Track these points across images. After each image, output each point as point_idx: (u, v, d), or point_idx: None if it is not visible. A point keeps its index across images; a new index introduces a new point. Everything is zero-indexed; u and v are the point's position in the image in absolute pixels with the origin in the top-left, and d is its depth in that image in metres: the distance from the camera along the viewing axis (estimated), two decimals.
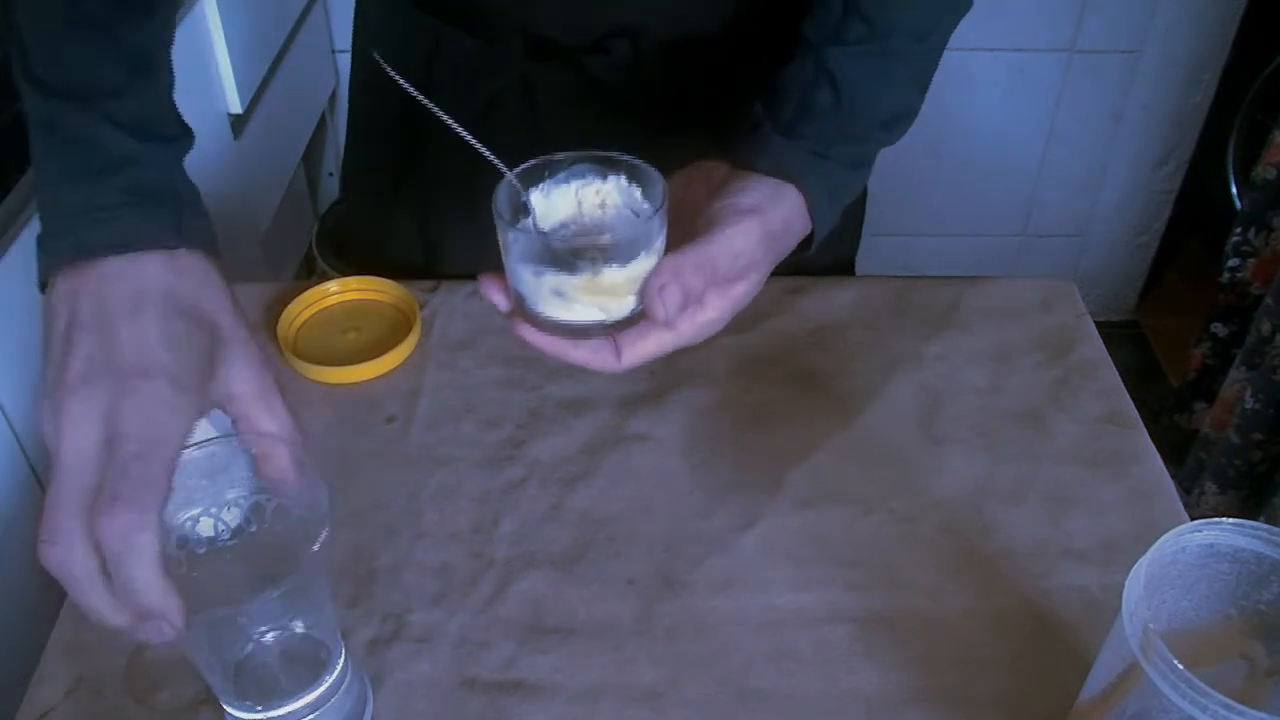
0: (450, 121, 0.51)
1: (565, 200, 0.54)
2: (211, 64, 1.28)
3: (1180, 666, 0.42)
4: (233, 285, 0.53)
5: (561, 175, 0.54)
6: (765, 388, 0.74)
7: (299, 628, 0.52)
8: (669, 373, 0.75)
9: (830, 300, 0.80)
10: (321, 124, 1.78)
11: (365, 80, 0.88)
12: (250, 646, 0.51)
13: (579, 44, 0.73)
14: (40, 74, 0.51)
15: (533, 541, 0.65)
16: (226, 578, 0.51)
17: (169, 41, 0.56)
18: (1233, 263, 1.58)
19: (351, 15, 0.84)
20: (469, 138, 0.51)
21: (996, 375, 0.75)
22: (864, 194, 0.91)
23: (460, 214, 0.85)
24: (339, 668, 0.53)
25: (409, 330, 0.76)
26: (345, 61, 1.97)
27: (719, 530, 0.65)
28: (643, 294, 0.52)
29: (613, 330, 0.53)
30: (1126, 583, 0.45)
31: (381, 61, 0.53)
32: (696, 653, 0.59)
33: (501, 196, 0.52)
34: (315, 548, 0.46)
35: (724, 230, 0.54)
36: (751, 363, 0.76)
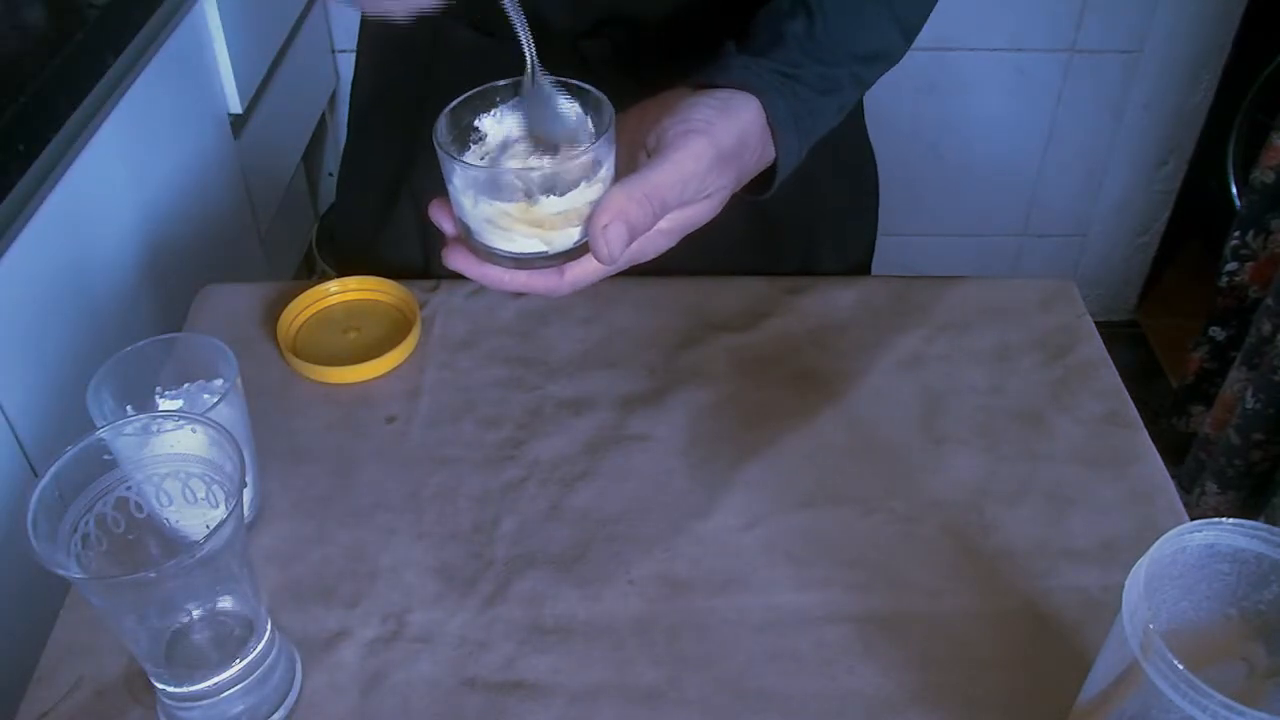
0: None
1: (517, 127, 0.53)
2: (211, 64, 1.28)
3: (1180, 666, 0.42)
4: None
5: (514, 100, 0.53)
6: (765, 388, 0.74)
7: (225, 603, 0.52)
8: (669, 372, 0.75)
9: (830, 300, 0.80)
10: (321, 124, 1.78)
11: (367, 79, 0.87)
12: (178, 621, 0.51)
13: (576, 29, 0.72)
14: None
15: (533, 541, 0.65)
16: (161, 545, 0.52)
17: None
18: (1230, 266, 1.58)
19: (352, 15, 0.84)
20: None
21: (996, 375, 0.75)
22: (877, 197, 0.90)
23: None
24: (264, 641, 0.54)
25: (409, 330, 0.76)
26: (345, 61, 1.96)
27: (719, 530, 0.65)
28: (587, 227, 0.51)
29: (556, 262, 0.52)
30: (1126, 583, 0.45)
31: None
32: (696, 653, 0.59)
33: (442, 123, 0.51)
34: (211, 527, 0.46)
35: (671, 155, 0.52)
36: (751, 363, 0.76)
